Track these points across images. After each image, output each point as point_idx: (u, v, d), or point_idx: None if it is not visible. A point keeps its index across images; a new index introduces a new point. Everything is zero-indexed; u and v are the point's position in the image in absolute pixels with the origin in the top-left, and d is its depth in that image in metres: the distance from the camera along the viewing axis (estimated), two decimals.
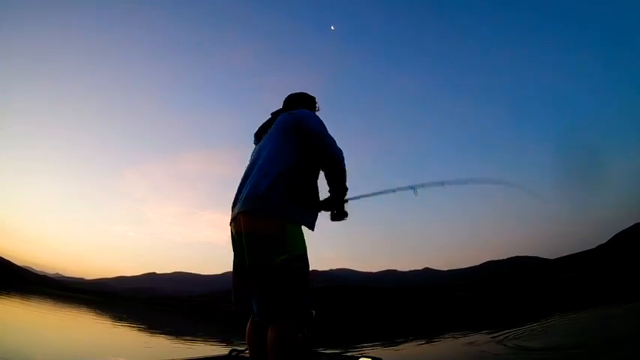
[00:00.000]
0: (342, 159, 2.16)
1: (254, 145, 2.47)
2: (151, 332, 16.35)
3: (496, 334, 9.73)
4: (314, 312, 2.31)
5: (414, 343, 11.01)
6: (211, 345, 11.83)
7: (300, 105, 2.49)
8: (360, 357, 3.13)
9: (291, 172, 2.09)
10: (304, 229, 2.12)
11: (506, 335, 9.44)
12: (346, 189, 2.21)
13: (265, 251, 1.96)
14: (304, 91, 2.64)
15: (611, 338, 7.04)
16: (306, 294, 1.98)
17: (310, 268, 2.04)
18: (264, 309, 1.98)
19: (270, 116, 2.50)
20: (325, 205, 2.26)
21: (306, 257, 2.03)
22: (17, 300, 28.34)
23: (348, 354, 3.73)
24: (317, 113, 2.47)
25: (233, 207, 2.20)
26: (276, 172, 2.07)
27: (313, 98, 2.63)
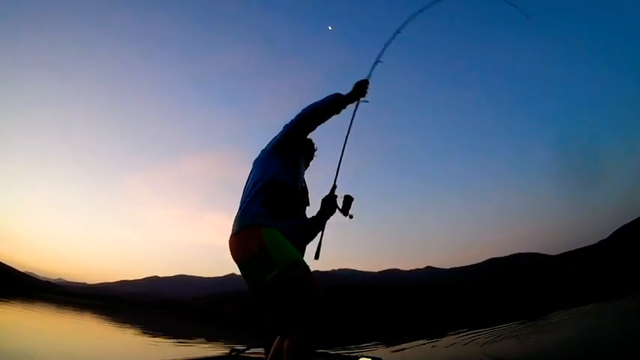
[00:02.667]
0: (314, 107, 2.22)
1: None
2: (153, 335, 16.36)
3: (476, 336, 9.68)
4: None
5: (415, 343, 11.01)
6: (213, 347, 11.83)
7: None
8: (360, 357, 3.14)
9: (269, 182, 2.15)
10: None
11: (489, 336, 9.40)
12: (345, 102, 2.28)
13: (256, 274, 1.96)
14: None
15: (604, 346, 6.80)
16: (311, 300, 1.88)
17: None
18: (276, 325, 2.01)
19: None
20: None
21: (299, 264, 1.95)
22: (20, 306, 28.32)
23: (349, 354, 3.75)
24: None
25: None
26: (257, 187, 2.15)
27: (305, 142, 2.50)
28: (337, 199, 2.43)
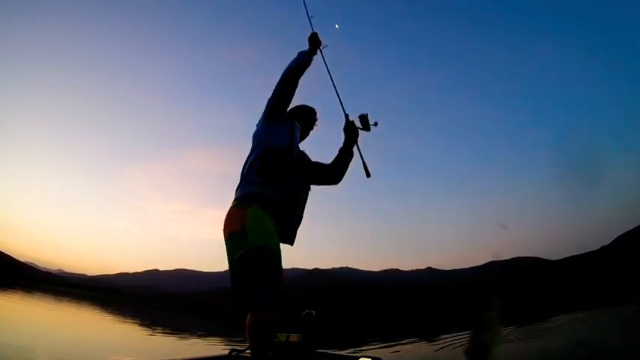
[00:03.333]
0: (289, 68, 2.40)
1: None
2: (152, 329, 16.41)
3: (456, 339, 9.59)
4: (314, 312, 2.29)
5: (415, 343, 11.01)
6: (212, 342, 11.86)
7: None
8: (360, 357, 3.13)
9: (263, 149, 2.29)
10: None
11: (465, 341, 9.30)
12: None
13: (232, 251, 2.06)
14: (303, 103, 2.70)
15: (599, 355, 6.68)
16: (264, 287, 1.92)
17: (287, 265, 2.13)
18: (235, 299, 2.07)
19: None
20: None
21: (267, 249, 1.98)
22: (20, 296, 28.50)
23: (348, 354, 3.73)
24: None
25: None
26: (253, 156, 2.31)
27: (303, 109, 2.68)
28: (354, 123, 2.61)
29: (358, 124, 2.58)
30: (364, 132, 2.60)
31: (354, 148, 2.58)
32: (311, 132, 2.71)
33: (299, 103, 2.67)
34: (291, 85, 2.39)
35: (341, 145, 2.61)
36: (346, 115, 2.62)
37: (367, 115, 2.57)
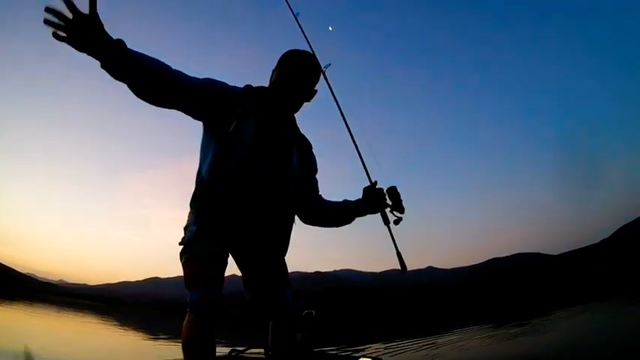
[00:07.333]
0: None
1: None
2: (155, 337, 16.36)
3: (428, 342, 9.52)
4: (314, 312, 2.30)
5: (416, 343, 10.99)
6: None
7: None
8: (360, 357, 3.14)
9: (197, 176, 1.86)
10: None
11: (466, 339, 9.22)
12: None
13: None
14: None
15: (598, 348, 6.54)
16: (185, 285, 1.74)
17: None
18: None
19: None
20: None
21: (184, 251, 1.82)
22: (21, 308, 28.34)
23: (348, 354, 3.74)
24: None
25: None
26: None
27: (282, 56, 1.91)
28: (384, 195, 1.89)
29: (387, 199, 1.88)
30: (394, 214, 1.86)
31: (390, 240, 1.87)
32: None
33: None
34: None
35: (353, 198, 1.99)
36: (374, 183, 1.92)
37: (397, 189, 1.87)
